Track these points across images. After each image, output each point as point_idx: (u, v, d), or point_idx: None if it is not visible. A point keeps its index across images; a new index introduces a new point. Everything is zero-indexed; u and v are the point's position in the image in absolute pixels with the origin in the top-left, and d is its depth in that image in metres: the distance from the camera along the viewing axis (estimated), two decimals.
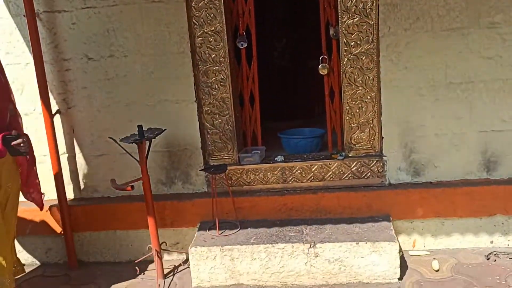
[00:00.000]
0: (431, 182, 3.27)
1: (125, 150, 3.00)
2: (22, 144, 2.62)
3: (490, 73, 3.10)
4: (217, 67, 3.29)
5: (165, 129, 3.13)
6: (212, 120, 3.37)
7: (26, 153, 2.70)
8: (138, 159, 3.02)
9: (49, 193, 3.35)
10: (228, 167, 3.27)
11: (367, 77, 3.21)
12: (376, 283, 2.92)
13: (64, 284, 3.25)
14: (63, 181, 3.39)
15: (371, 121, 3.26)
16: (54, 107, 3.38)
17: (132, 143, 2.92)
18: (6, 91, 2.76)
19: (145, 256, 3.30)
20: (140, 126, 2.95)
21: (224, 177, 3.31)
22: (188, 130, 3.37)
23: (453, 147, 3.21)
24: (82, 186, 3.55)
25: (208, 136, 3.39)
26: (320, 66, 3.37)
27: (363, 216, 3.23)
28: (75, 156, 3.50)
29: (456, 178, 3.25)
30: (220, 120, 3.36)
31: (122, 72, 3.34)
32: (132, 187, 2.93)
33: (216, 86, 3.31)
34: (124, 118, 3.35)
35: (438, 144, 3.21)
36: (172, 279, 3.20)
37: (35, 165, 2.99)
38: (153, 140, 3.11)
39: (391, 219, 3.19)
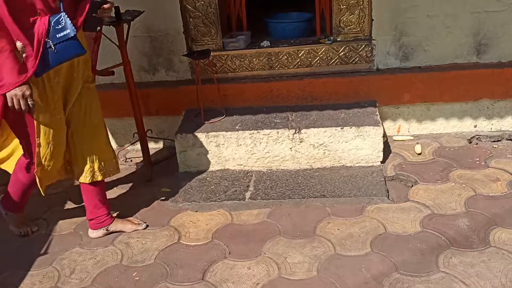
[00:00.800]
0: (419, 67, 3.20)
1: (103, 34, 2.85)
2: (109, 10, 2.21)
3: None
4: None
5: (143, 11, 2.95)
6: (194, 2, 3.17)
7: (101, 28, 2.34)
8: (117, 44, 2.89)
9: None
10: (212, 53, 3.16)
11: None
12: (359, 166, 2.98)
13: None
14: None
15: (361, 2, 3.08)
16: None
17: (109, 25, 2.77)
18: None
19: (132, 143, 3.32)
20: (116, 7, 2.78)
21: (208, 63, 3.21)
22: (169, 13, 3.19)
23: (445, 29, 3.08)
24: None
25: (191, 19, 3.23)
26: None
27: (349, 102, 3.20)
28: None
29: (445, 62, 3.17)
30: (202, 2, 3.17)
31: None
32: (113, 72, 2.84)
33: None
34: None
35: (429, 26, 3.08)
36: (159, 166, 3.25)
37: None
38: (132, 24, 2.95)
39: (377, 104, 3.17)
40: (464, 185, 2.72)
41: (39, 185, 2.38)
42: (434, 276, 2.09)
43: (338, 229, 2.47)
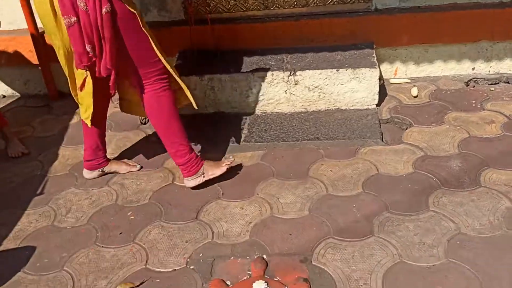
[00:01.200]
0: (419, 7, 3.10)
1: None
2: None
3: None
4: None
5: None
6: None
7: None
8: None
9: (19, 21, 3.18)
10: None
11: None
12: (354, 109, 2.96)
13: (46, 114, 3.29)
14: (31, 9, 3.18)
15: None
16: None
17: None
18: None
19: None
20: None
21: (202, 3, 3.12)
22: None
23: None
24: None
25: None
26: None
27: (346, 44, 3.13)
28: None
29: (445, 2, 3.08)
30: None
31: None
32: None
33: None
34: None
35: None
36: None
37: None
38: None
39: (374, 46, 3.11)
40: (458, 127, 2.71)
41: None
42: (423, 215, 2.13)
43: (331, 171, 2.48)
